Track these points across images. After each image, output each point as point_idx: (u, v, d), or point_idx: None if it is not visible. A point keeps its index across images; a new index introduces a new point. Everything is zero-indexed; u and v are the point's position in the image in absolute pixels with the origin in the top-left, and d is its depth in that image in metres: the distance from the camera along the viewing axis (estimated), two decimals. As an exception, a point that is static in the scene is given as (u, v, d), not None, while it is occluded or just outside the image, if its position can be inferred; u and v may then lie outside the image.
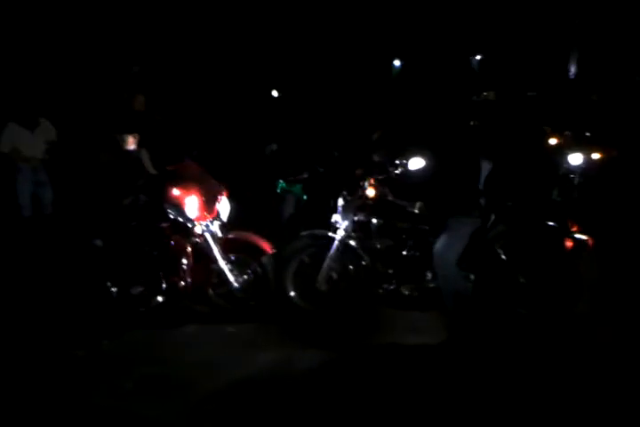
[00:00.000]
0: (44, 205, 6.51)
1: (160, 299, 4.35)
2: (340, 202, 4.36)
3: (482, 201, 3.90)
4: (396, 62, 13.36)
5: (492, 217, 4.19)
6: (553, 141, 7.26)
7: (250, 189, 6.62)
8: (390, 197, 4.32)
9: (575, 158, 6.79)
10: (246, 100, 8.82)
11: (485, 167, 4.29)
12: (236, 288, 4.45)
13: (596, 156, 6.99)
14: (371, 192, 4.30)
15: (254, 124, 7.59)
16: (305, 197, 6.34)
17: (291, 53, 10.80)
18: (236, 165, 6.76)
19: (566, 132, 7.41)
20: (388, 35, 11.83)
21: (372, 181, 4.32)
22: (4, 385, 3.49)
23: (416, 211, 4.21)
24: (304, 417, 3.19)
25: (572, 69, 14.04)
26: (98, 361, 3.84)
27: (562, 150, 6.99)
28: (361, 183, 4.32)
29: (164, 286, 4.34)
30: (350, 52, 11.22)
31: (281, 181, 6.28)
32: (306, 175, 6.24)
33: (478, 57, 13.53)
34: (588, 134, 7.19)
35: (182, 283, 4.32)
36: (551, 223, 4.09)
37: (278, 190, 6.28)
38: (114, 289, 4.40)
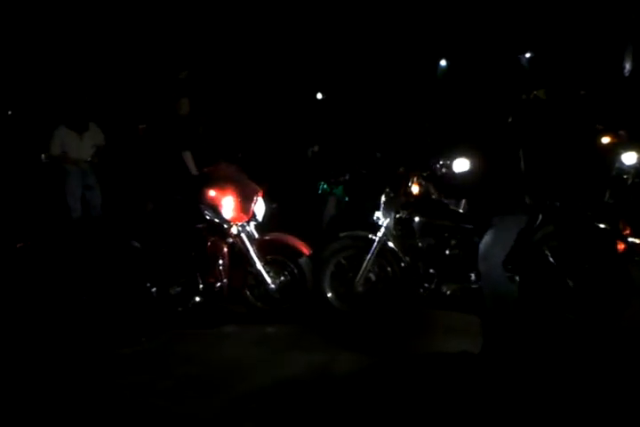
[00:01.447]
0: (93, 207, 6.64)
1: (197, 299, 4.33)
2: (383, 199, 4.26)
3: (527, 200, 3.71)
4: (442, 62, 13.14)
5: (540, 217, 3.99)
6: (606, 140, 6.94)
7: (292, 190, 6.59)
8: (434, 195, 4.19)
9: (629, 158, 6.47)
10: (291, 102, 8.83)
11: (531, 166, 4.10)
12: (272, 289, 4.40)
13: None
14: (414, 189, 4.18)
15: (297, 126, 7.58)
16: (346, 199, 6.28)
17: (336, 55, 10.77)
18: (279, 166, 6.74)
19: (621, 131, 7.08)
20: (434, 34, 11.65)
21: (415, 178, 4.20)
22: (50, 383, 3.54)
23: (460, 209, 4.06)
24: (341, 420, 3.10)
25: (627, 66, 13.52)
26: (139, 360, 3.85)
27: (615, 150, 6.67)
28: (404, 180, 4.20)
29: (200, 286, 4.32)
30: (396, 53, 11.10)
31: (322, 182, 6.23)
32: (347, 177, 6.18)
33: (528, 54, 13.20)
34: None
35: (219, 284, 4.30)
36: (602, 225, 3.87)
37: (320, 192, 6.24)
38: (153, 289, 4.42)
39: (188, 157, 4.97)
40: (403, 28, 11.12)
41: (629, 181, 6.64)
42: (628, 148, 6.62)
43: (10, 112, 9.57)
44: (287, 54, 10.27)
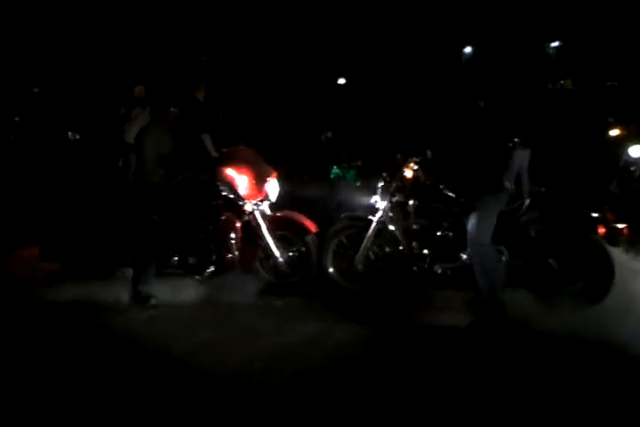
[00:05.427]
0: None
1: (212, 269, 4.75)
2: (380, 184, 4.60)
3: (507, 184, 4.01)
4: (467, 49, 13.12)
5: (527, 202, 4.29)
6: (615, 133, 7.10)
7: (306, 173, 6.91)
8: (427, 180, 4.50)
9: (636, 151, 6.64)
10: (309, 87, 9.05)
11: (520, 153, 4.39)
12: (280, 263, 4.79)
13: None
14: (408, 174, 4.50)
15: (312, 111, 7.87)
16: (358, 184, 6.60)
17: (360, 41, 10.89)
18: (294, 150, 7.07)
19: (631, 125, 7.22)
20: (459, 20, 11.66)
21: (410, 164, 4.52)
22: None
23: (451, 193, 4.37)
24: (333, 384, 3.32)
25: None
26: (159, 324, 4.23)
27: (623, 142, 6.84)
28: (400, 166, 4.53)
29: (214, 257, 4.73)
30: (420, 39, 11.16)
31: (335, 166, 6.56)
32: (360, 163, 6.50)
33: (555, 43, 13.10)
34: (652, 126, 6.98)
35: (231, 255, 4.70)
36: (585, 211, 4.14)
37: (332, 176, 6.57)
38: (175, 258, 4.84)
39: (207, 140, 5.35)
40: (428, 14, 11.17)
41: (637, 174, 6.81)
42: (636, 141, 6.78)
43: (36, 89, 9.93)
44: (310, 39, 10.45)
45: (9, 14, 9.49)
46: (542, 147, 5.85)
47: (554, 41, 12.64)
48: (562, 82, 7.69)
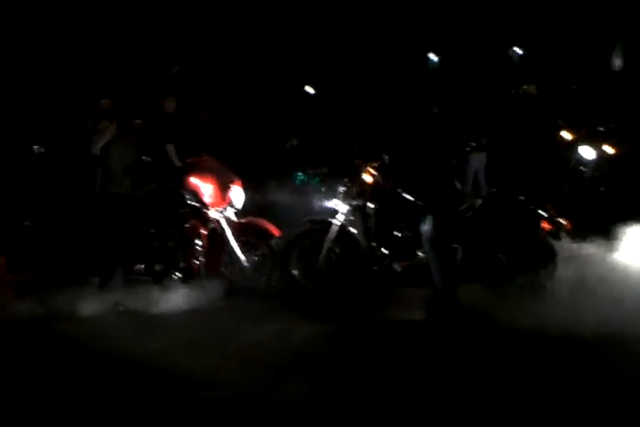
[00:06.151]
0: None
1: (179, 275, 4.89)
2: (341, 188, 4.82)
3: (458, 185, 4.25)
4: (432, 56, 13.40)
5: (479, 202, 4.54)
6: (566, 135, 7.42)
7: (273, 180, 7.08)
8: (385, 184, 4.72)
9: (586, 152, 6.97)
10: (275, 96, 9.21)
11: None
12: (246, 267, 4.95)
13: (610, 150, 7.13)
14: (368, 179, 4.73)
15: (277, 120, 8.06)
16: (323, 190, 6.79)
17: (327, 49, 11.06)
18: (260, 158, 7.25)
19: (582, 127, 7.56)
20: (423, 27, 11.91)
21: (368, 169, 4.75)
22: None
23: (408, 196, 4.60)
24: (298, 379, 3.47)
25: (617, 62, 13.75)
26: (127, 329, 4.31)
27: (574, 144, 7.17)
28: (359, 171, 4.75)
29: (181, 264, 4.87)
30: (386, 46, 11.38)
31: (300, 173, 6.75)
32: (325, 170, 6.71)
33: (518, 49, 13.44)
34: (601, 129, 7.33)
35: (197, 262, 4.86)
36: (531, 208, 4.41)
37: (297, 182, 6.76)
38: (141, 265, 4.97)
39: (170, 150, 5.50)
40: (394, 21, 11.39)
41: (589, 175, 7.14)
42: (585, 143, 7.12)
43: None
44: (276, 48, 10.61)
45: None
46: (497, 150, 6.16)
47: (517, 46, 13.01)
48: (525, 87, 7.97)
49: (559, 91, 8.88)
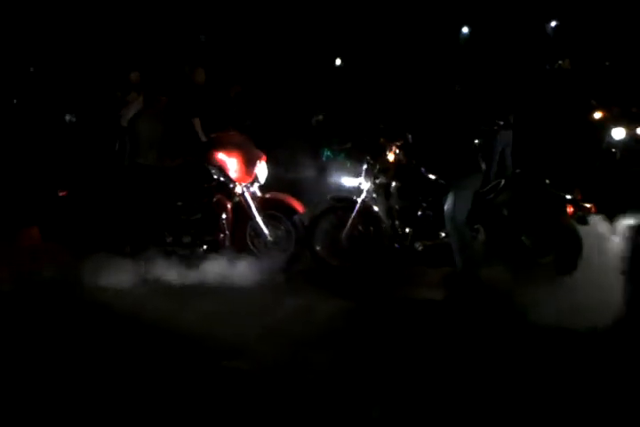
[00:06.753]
0: None
1: (205, 247, 5.00)
2: (364, 166, 4.83)
3: (482, 164, 4.24)
4: (465, 30, 13.12)
5: (503, 183, 4.52)
6: (598, 115, 7.29)
7: (299, 155, 7.11)
8: (408, 163, 4.72)
9: (618, 133, 6.86)
10: (304, 70, 9.16)
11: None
12: (270, 241, 5.04)
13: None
14: (390, 157, 4.74)
15: (304, 96, 8.03)
16: (348, 165, 6.80)
17: (358, 22, 10.92)
18: (286, 133, 7.26)
19: (614, 107, 7.41)
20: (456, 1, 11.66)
21: (392, 147, 4.75)
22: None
23: (431, 175, 4.60)
24: (323, 353, 3.59)
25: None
26: (156, 300, 4.45)
27: (606, 125, 7.04)
28: (383, 149, 4.75)
29: (208, 237, 4.98)
30: (416, 20, 11.18)
31: (326, 149, 6.77)
32: (349, 145, 6.71)
33: (553, 23, 13.08)
34: (635, 110, 7.18)
35: (223, 235, 4.95)
36: (555, 191, 4.38)
37: (323, 158, 6.78)
38: (170, 238, 5.09)
39: (197, 124, 5.54)
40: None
41: (618, 155, 7.04)
42: (618, 123, 7.00)
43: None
44: (305, 20, 10.51)
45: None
46: (524, 129, 6.08)
47: (552, 20, 12.65)
48: (560, 62, 7.79)
49: (592, 66, 8.68)
